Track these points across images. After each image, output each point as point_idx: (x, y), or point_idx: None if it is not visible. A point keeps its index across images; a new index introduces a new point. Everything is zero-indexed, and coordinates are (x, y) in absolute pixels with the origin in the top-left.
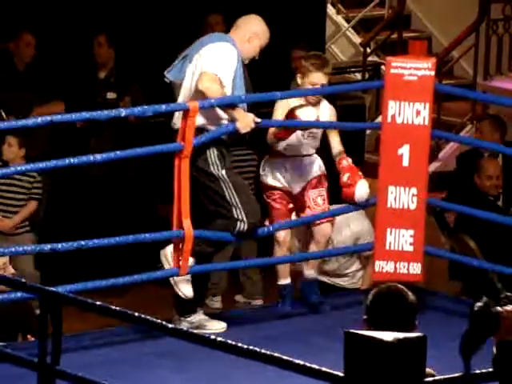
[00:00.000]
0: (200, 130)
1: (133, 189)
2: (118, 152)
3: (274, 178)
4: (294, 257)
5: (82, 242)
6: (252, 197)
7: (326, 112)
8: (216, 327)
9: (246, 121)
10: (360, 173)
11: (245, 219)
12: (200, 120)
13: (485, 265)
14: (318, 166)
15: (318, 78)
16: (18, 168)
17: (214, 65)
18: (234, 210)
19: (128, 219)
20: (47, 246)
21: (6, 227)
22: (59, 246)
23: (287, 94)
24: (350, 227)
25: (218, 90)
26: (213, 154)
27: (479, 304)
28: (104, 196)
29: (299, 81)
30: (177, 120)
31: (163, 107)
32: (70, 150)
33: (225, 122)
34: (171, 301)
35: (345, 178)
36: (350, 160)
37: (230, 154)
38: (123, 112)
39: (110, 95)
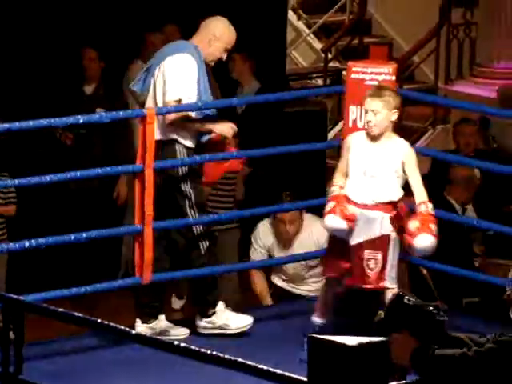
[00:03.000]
0: (172, 142)
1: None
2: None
3: None
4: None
5: (41, 240)
6: None
7: (393, 151)
8: (179, 333)
9: (225, 130)
10: (433, 226)
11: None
12: (172, 132)
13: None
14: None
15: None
16: None
17: (175, 86)
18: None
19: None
20: (2, 246)
21: None
22: (16, 245)
23: (243, 100)
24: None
25: (182, 118)
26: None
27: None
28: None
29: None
30: (173, 133)
31: (120, 113)
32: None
33: (194, 133)
34: (132, 308)
35: (411, 225)
36: (430, 206)
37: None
38: (81, 119)
39: (99, 111)
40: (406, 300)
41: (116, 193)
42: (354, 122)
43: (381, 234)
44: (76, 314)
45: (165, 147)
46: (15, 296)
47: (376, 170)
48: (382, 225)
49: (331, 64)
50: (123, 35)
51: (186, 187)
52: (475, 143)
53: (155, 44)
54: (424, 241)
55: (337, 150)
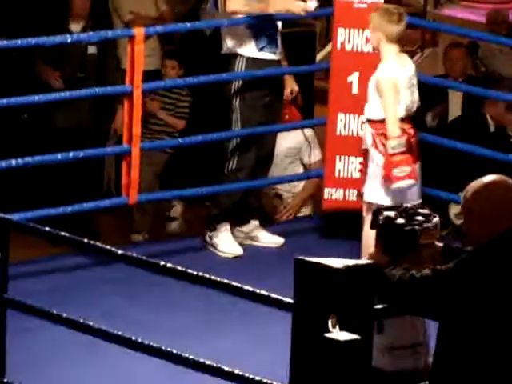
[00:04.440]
0: (232, 55)
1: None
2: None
3: None
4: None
5: (28, 159)
6: None
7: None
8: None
9: (299, 10)
10: (396, 170)
11: None
12: (229, 44)
13: None
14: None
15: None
16: None
17: None
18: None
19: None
20: None
21: None
22: (2, 164)
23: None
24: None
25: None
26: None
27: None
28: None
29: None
30: (232, 44)
31: (109, 33)
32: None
33: (254, 43)
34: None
35: (381, 174)
36: (391, 144)
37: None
38: (69, 38)
39: (91, 49)
40: (380, 216)
41: (115, 125)
42: (342, 44)
43: (364, 147)
44: (63, 233)
45: (225, 60)
46: (1, 215)
47: (369, 89)
48: (366, 139)
49: None
50: None
51: (236, 102)
52: (464, 67)
53: None
54: (397, 186)
55: (324, 73)
